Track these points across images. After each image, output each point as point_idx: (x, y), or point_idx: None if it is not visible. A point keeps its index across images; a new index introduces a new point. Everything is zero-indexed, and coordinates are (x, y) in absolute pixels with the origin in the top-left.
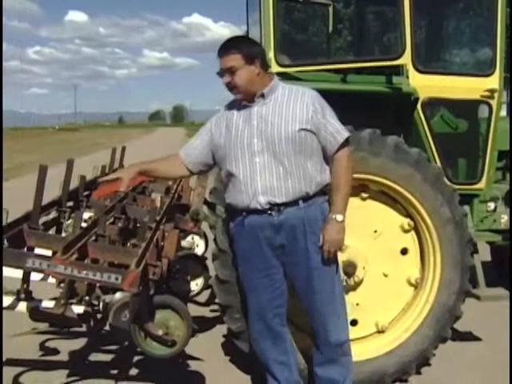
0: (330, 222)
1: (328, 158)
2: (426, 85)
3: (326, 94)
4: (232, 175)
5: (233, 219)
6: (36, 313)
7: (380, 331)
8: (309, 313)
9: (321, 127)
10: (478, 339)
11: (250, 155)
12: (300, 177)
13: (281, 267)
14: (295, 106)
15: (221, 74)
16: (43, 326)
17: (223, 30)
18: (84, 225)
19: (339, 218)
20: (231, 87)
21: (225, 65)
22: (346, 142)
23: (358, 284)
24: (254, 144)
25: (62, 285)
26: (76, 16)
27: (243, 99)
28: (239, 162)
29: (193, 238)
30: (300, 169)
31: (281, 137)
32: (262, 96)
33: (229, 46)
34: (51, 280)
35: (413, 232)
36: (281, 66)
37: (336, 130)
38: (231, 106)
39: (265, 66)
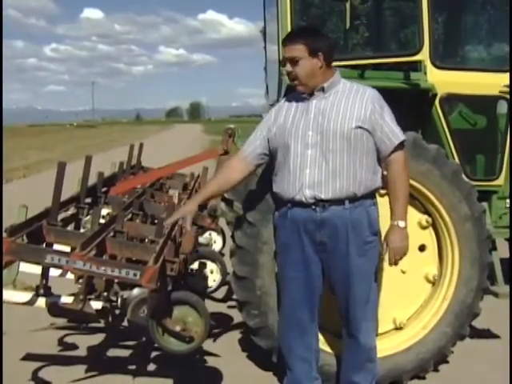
0: (392, 229)
1: (381, 160)
2: (444, 81)
3: None
4: (282, 165)
5: (277, 209)
6: (55, 308)
7: (398, 328)
8: (341, 314)
9: (377, 128)
10: (496, 336)
11: (303, 147)
12: (350, 176)
13: (319, 263)
14: (354, 103)
15: (283, 62)
16: (62, 321)
17: (238, 27)
18: (102, 221)
19: (401, 224)
20: (292, 78)
21: (288, 54)
22: (402, 145)
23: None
24: (309, 136)
25: (80, 280)
26: (92, 13)
27: (303, 91)
28: (291, 152)
29: (210, 235)
30: (351, 168)
31: (336, 132)
32: (322, 90)
33: (295, 35)
34: (70, 276)
35: (431, 229)
36: None
37: (392, 132)
38: (291, 97)
39: (328, 60)
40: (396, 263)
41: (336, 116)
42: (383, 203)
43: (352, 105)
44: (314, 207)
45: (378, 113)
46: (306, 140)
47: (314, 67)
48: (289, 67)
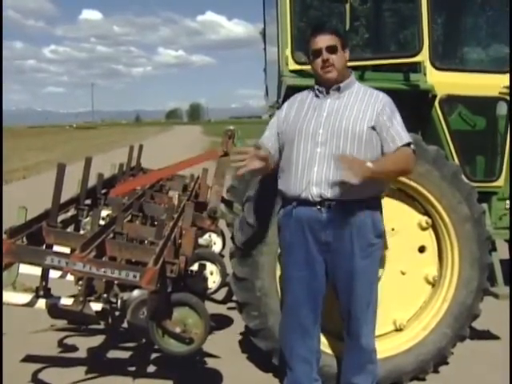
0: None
1: None
2: (443, 82)
3: None
4: (290, 161)
5: (282, 208)
6: (55, 310)
7: (398, 329)
8: (343, 315)
9: (384, 129)
10: (496, 338)
11: (313, 145)
12: None
13: (323, 263)
14: (367, 107)
15: (317, 52)
16: (62, 323)
17: (237, 28)
18: (102, 222)
19: (369, 164)
20: (329, 64)
21: (327, 42)
22: (408, 147)
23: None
24: (319, 134)
25: (80, 282)
26: (90, 14)
27: (334, 79)
28: (300, 149)
29: (210, 236)
30: None
31: (347, 133)
32: (338, 89)
33: (327, 28)
34: (70, 277)
35: (430, 230)
36: (298, 63)
37: (398, 134)
38: (304, 95)
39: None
40: (343, 161)
41: (349, 116)
42: (383, 204)
43: (365, 107)
44: (319, 207)
45: (388, 115)
46: (317, 138)
47: (345, 60)
48: (326, 55)
